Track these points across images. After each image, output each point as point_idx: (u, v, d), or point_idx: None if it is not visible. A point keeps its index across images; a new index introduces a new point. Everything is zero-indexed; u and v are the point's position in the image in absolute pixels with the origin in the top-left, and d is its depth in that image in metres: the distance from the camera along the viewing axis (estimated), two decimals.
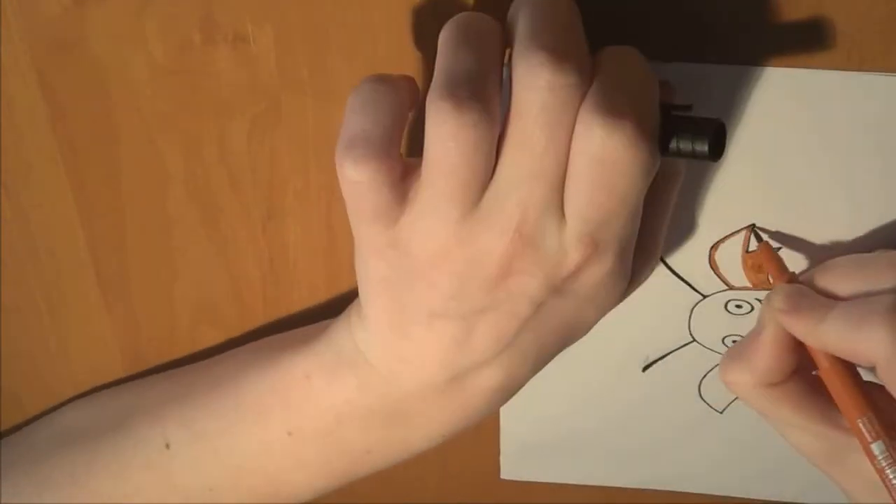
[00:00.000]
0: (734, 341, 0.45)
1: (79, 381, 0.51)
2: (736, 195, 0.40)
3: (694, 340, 0.45)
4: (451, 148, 0.32)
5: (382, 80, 0.35)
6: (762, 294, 0.42)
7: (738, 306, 0.43)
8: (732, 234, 0.41)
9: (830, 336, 0.36)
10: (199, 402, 0.43)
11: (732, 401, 0.47)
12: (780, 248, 0.41)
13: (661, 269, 0.42)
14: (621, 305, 0.38)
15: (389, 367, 0.38)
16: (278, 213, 0.43)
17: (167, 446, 0.43)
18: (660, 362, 0.46)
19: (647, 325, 0.45)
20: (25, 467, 0.46)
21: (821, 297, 0.37)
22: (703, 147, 0.33)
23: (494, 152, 0.33)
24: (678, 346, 0.46)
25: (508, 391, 0.39)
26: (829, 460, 0.39)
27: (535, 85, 0.32)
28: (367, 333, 0.38)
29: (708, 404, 0.48)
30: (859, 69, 0.36)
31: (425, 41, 0.37)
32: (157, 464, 0.43)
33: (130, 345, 0.49)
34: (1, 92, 0.40)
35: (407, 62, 0.38)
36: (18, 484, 0.45)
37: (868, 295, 0.36)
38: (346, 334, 0.40)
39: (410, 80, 0.35)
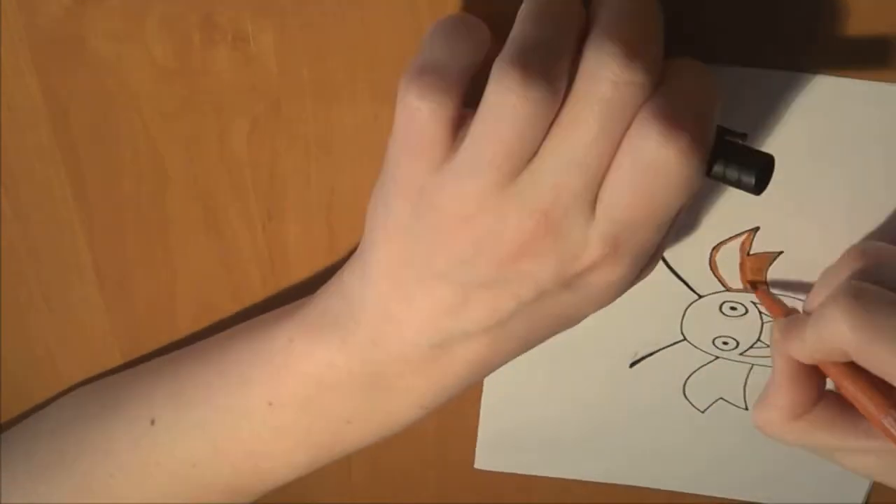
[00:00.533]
0: (724, 343, 0.45)
1: (78, 380, 0.51)
2: (742, 197, 0.40)
3: (684, 339, 0.45)
4: (506, 117, 0.32)
5: (469, 20, 0.34)
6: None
7: (733, 308, 0.43)
8: (736, 236, 0.41)
9: (811, 344, 0.36)
10: (187, 374, 0.43)
11: (714, 401, 0.47)
12: (781, 253, 0.41)
13: (659, 266, 0.42)
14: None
15: (377, 327, 0.37)
16: (278, 213, 0.43)
17: (152, 422, 0.43)
18: (648, 359, 0.46)
19: (640, 322, 0.45)
20: (22, 458, 0.46)
21: (805, 315, 0.37)
22: (749, 179, 0.33)
23: (546, 132, 0.32)
24: (668, 344, 0.46)
25: (489, 366, 0.38)
26: (893, 473, 0.39)
27: (601, 75, 0.31)
28: (364, 285, 0.37)
29: (691, 403, 0.48)
30: (878, 79, 0.36)
31: None
32: (143, 441, 0.43)
33: (130, 345, 0.49)
34: (1, 92, 0.40)
35: (407, 62, 0.38)
36: (17, 478, 0.45)
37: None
38: (335, 296, 0.39)
39: (488, 31, 0.34)
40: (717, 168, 0.33)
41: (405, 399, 0.39)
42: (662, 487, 0.52)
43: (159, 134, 0.41)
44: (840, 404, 0.38)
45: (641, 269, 0.37)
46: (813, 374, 0.38)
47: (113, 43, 0.38)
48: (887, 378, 0.35)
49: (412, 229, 0.35)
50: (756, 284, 0.43)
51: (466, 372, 0.38)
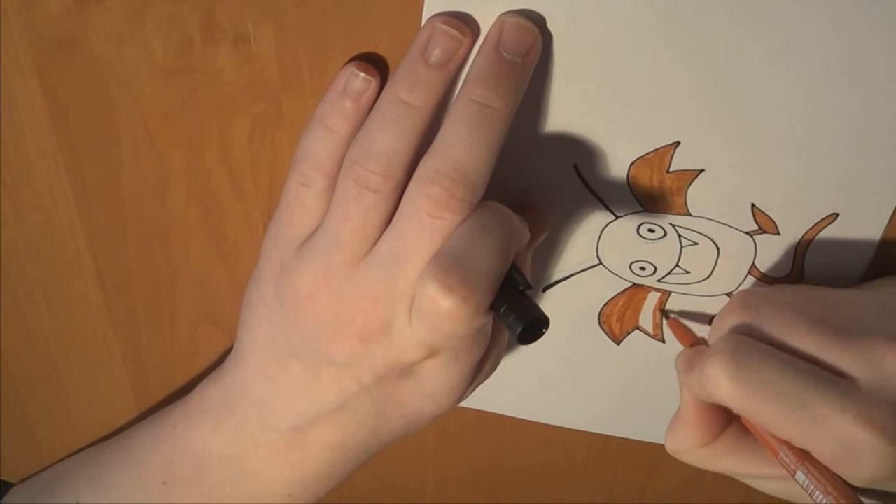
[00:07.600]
0: (641, 268, 0.43)
1: (79, 381, 0.51)
2: (663, 108, 0.37)
3: (600, 263, 0.43)
4: (352, 202, 0.35)
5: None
6: (677, 219, 0.41)
7: (651, 230, 0.41)
8: (654, 150, 0.39)
9: (699, 391, 0.37)
10: (107, 459, 0.45)
11: (630, 331, 0.45)
12: (702, 171, 0.39)
13: (574, 183, 0.40)
14: None
15: (244, 411, 0.40)
16: None
17: None
18: (562, 284, 0.44)
19: (554, 243, 0.42)
20: None
21: (705, 349, 0.38)
22: (517, 329, 0.35)
23: (388, 219, 0.35)
24: (583, 269, 0.43)
25: (347, 452, 0.40)
26: (804, 499, 0.39)
27: (421, 208, 0.34)
28: (237, 370, 0.40)
29: (606, 334, 0.45)
30: None
31: None
32: None
33: (130, 345, 0.49)
34: (2, 91, 0.40)
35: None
36: None
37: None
38: (214, 384, 0.42)
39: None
40: (501, 309, 0.35)
41: (272, 488, 0.41)
42: (579, 427, 0.50)
43: (159, 134, 0.41)
44: (745, 432, 0.38)
45: (475, 372, 0.38)
46: (717, 405, 0.38)
47: (113, 43, 0.38)
48: (769, 429, 0.36)
49: (275, 309, 0.38)
50: (667, 314, 0.43)
51: (325, 457, 0.40)
